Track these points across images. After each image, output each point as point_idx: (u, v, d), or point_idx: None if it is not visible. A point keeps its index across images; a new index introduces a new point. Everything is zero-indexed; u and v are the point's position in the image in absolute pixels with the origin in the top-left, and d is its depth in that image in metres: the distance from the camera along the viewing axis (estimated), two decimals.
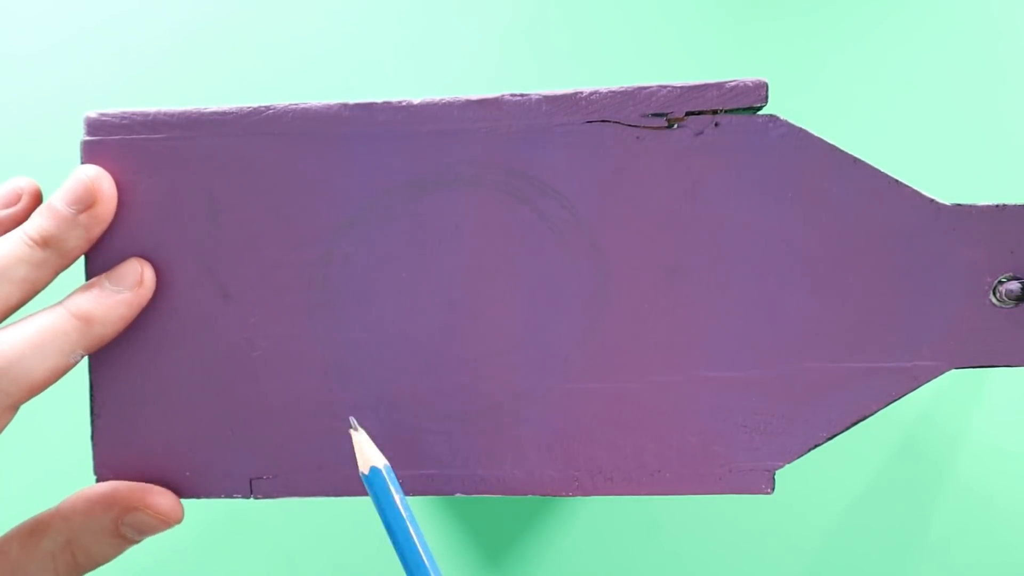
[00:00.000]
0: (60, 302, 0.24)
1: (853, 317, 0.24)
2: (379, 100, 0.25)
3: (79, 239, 0.24)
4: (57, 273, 0.25)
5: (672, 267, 0.24)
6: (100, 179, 0.25)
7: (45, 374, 0.23)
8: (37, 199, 0.26)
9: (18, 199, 0.25)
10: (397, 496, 0.22)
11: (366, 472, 0.22)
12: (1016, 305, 0.24)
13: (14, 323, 0.24)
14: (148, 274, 0.25)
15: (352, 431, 0.23)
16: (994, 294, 0.24)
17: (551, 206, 0.24)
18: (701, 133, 0.24)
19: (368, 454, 0.22)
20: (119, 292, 0.24)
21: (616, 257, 0.24)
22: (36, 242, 0.24)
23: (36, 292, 0.24)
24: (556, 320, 0.25)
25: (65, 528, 0.24)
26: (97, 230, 0.25)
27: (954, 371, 0.24)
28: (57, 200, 0.24)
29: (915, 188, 0.23)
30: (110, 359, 0.25)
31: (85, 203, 0.24)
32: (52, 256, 0.24)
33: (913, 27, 0.44)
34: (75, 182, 0.24)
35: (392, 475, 0.22)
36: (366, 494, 0.25)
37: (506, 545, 0.43)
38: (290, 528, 0.43)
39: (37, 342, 0.23)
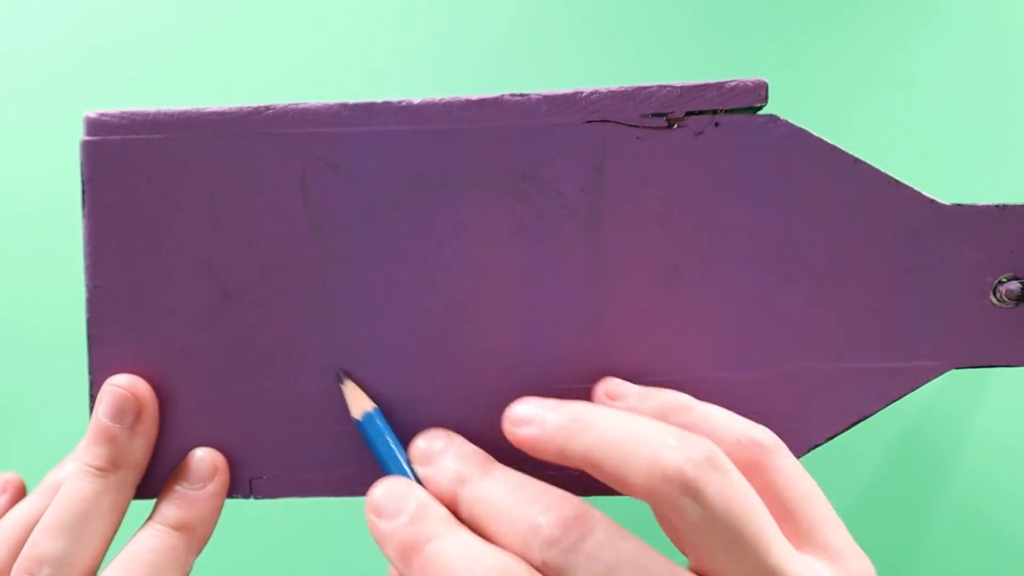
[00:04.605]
0: (150, 519, 0.24)
1: (853, 317, 0.24)
2: (379, 100, 0.25)
3: (141, 447, 0.24)
4: (136, 487, 0.24)
5: (672, 267, 0.24)
6: (135, 385, 0.24)
7: None
8: (21, 492, 0.25)
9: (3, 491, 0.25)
10: (388, 437, 0.23)
11: (359, 417, 0.24)
12: (1016, 305, 0.24)
13: (119, 556, 0.23)
14: (219, 459, 0.25)
15: (341, 384, 0.24)
16: (994, 294, 0.24)
17: (551, 206, 0.24)
18: (701, 133, 0.24)
19: (358, 401, 0.24)
20: (202, 488, 0.24)
21: (616, 257, 0.24)
22: (103, 469, 0.24)
23: (124, 514, 0.24)
24: (556, 320, 0.25)
25: None
26: (153, 429, 0.25)
27: (954, 371, 0.24)
28: (104, 419, 0.24)
29: (915, 188, 0.23)
30: (109, 361, 0.25)
31: (132, 413, 0.24)
32: (127, 474, 0.24)
33: (912, 27, 0.44)
34: (112, 395, 0.24)
35: (382, 417, 0.24)
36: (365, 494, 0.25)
37: None
38: (290, 528, 0.43)
39: (158, 570, 0.23)
